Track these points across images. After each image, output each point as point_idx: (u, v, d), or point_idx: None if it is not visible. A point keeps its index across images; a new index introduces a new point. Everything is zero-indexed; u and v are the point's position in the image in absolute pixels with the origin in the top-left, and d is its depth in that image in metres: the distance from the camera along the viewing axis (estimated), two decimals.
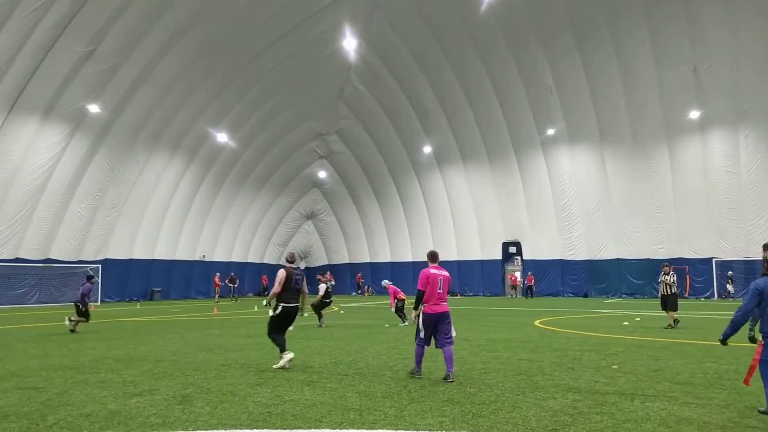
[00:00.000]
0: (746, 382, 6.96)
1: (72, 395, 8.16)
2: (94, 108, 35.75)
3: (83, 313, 18.30)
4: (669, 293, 18.92)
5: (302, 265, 62.20)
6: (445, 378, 9.13)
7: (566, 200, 45.46)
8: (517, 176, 47.44)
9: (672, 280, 19.17)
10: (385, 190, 55.44)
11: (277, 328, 10.77)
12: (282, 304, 10.65)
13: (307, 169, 55.88)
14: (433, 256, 10.12)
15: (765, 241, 8.04)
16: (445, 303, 9.60)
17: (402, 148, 52.23)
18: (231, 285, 44.43)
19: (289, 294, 10.79)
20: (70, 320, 18.02)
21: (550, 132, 44.43)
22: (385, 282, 22.13)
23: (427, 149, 50.25)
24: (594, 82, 41.51)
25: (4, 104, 32.61)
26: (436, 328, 9.47)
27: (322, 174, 56.69)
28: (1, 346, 14.43)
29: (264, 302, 11.26)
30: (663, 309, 19.10)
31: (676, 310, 18.64)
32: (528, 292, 44.95)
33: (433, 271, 9.65)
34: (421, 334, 9.57)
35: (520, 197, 47.67)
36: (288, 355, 10.44)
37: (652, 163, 41.56)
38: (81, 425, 6.52)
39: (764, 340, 6.63)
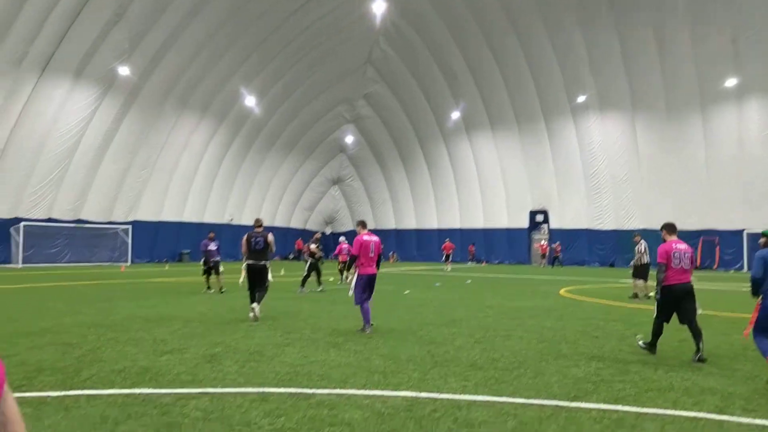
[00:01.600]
0: (745, 334, 7.55)
1: (104, 352, 8.40)
2: (123, 70, 36.00)
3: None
4: (641, 263, 18.26)
5: (328, 230, 62.49)
6: (362, 329, 10.55)
7: (595, 169, 44.95)
8: (546, 144, 46.95)
9: (643, 249, 18.43)
10: (412, 156, 55.24)
11: (250, 284, 12.41)
12: (247, 262, 12.40)
13: (334, 134, 55.84)
14: (363, 224, 11.33)
15: None
16: (375, 266, 10.87)
17: (430, 114, 51.88)
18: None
19: (252, 255, 12.41)
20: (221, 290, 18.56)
21: (581, 99, 43.77)
22: (341, 238, 22.82)
23: (455, 115, 49.84)
24: (627, 48, 40.67)
25: (35, 67, 32.99)
26: (369, 288, 10.80)
27: (349, 139, 56.60)
28: (35, 302, 14.83)
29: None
30: (634, 277, 18.49)
31: (646, 280, 18.06)
32: (554, 261, 44.79)
33: (365, 237, 10.88)
34: (350, 293, 10.94)
35: (548, 165, 47.22)
36: (253, 306, 11.87)
37: (684, 132, 40.80)
38: (113, 380, 6.72)
39: (762, 301, 7.15)
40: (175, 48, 37.91)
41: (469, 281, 25.75)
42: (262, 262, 12.40)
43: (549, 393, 6.39)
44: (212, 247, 18.86)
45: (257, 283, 12.37)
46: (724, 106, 39.28)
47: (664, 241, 9.26)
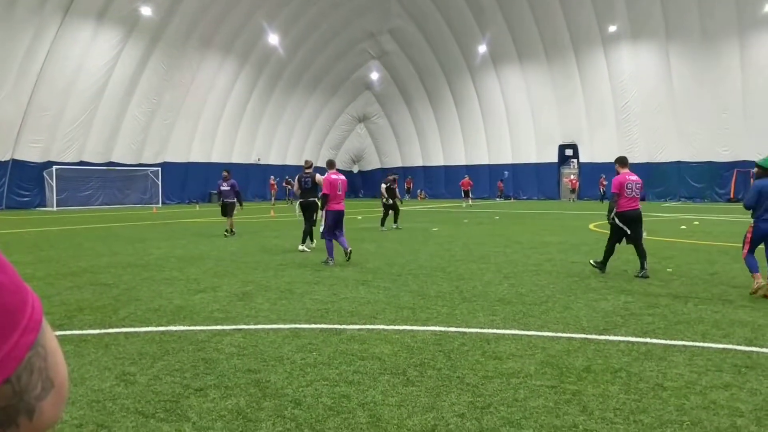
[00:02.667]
0: (744, 255, 8.37)
1: (140, 291, 8.62)
2: (146, 11, 35.73)
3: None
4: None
5: (355, 169, 62.52)
6: (346, 254, 11.41)
7: (626, 101, 43.94)
8: (576, 76, 45.88)
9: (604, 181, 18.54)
10: (439, 92, 54.45)
11: (305, 219, 13.77)
12: (299, 200, 14.01)
13: (359, 71, 55.11)
14: (331, 164, 12.32)
15: None
16: (343, 203, 11.76)
17: (456, 48, 50.82)
18: (287, 188, 45.13)
19: (303, 193, 13.83)
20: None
21: (612, 29, 42.44)
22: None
23: (482, 48, 48.72)
24: None
25: (58, 10, 32.90)
26: (338, 223, 11.61)
27: (374, 76, 55.86)
28: (72, 244, 15.19)
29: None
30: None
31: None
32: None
33: (333, 176, 11.71)
34: (321, 228, 11.98)
35: (578, 98, 46.26)
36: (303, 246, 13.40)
37: (720, 60, 39.48)
38: (150, 319, 6.91)
39: (755, 223, 8.24)
40: None
41: (497, 217, 25.69)
42: (311, 199, 13.72)
43: (577, 326, 6.43)
44: (225, 187, 18.01)
45: (307, 216, 13.69)
46: (763, 32, 37.79)
47: (618, 173, 10.34)
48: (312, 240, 14.03)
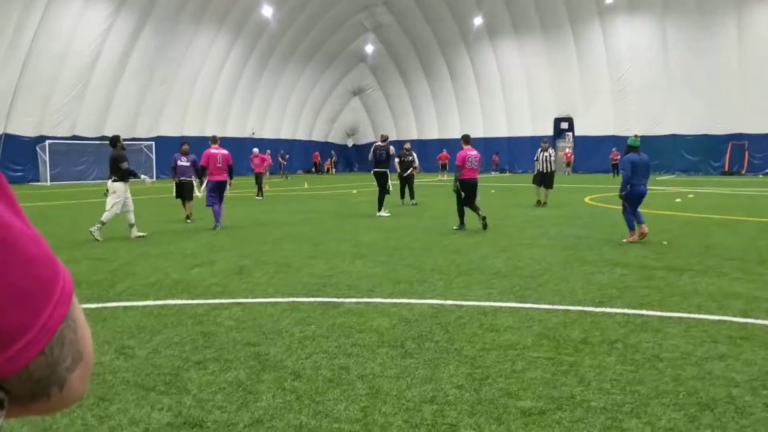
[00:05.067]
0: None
1: (136, 266, 8.61)
2: None
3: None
4: (548, 171, 18.59)
5: (350, 143, 62.30)
6: (213, 228, 12.51)
7: (622, 74, 43.79)
8: (572, 49, 45.63)
9: (554, 157, 19.07)
10: (434, 65, 54.05)
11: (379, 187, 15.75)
12: (374, 170, 15.96)
13: (354, 43, 54.59)
14: (214, 139, 13.74)
15: None
16: (225, 174, 12.99)
17: (452, 20, 50.35)
18: (282, 162, 44.93)
19: (377, 164, 16.01)
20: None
21: (609, 1, 42.04)
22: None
23: (478, 21, 48.21)
24: None
25: None
26: (220, 194, 12.93)
27: (369, 48, 55.35)
28: (67, 219, 15.15)
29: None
30: (539, 185, 18.62)
31: (551, 187, 18.64)
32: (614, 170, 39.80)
33: (213, 151, 13.01)
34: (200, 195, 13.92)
35: (574, 71, 46.05)
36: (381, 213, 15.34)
37: (717, 33, 39.31)
38: (147, 293, 6.92)
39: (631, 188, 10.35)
40: None
41: (493, 191, 25.68)
42: (383, 169, 15.76)
43: (574, 299, 6.46)
44: (183, 162, 15.11)
45: (382, 184, 15.56)
46: (761, 4, 37.55)
47: (462, 148, 12.60)
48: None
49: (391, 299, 6.50)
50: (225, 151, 13.17)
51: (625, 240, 10.43)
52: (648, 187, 10.88)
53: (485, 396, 3.86)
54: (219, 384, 4.10)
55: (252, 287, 7.16)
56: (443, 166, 40.39)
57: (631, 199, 10.38)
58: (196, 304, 6.33)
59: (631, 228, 10.44)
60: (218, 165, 12.89)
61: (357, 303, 6.35)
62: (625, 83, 43.90)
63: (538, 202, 18.37)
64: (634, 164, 10.36)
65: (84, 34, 35.34)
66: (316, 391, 3.96)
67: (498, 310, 6.00)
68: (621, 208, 10.79)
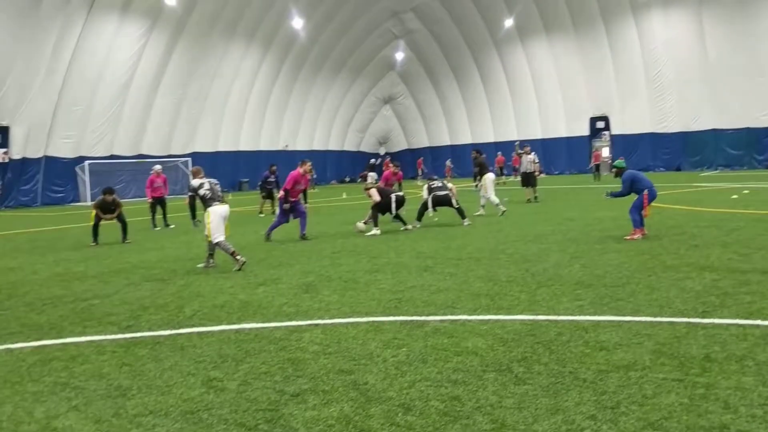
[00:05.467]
0: (645, 214, 10.99)
1: (199, 286, 8.36)
2: (170, 1, 35.45)
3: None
4: (530, 171, 21.14)
5: (382, 151, 62.03)
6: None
7: (659, 69, 42.71)
8: (605, 46, 44.72)
9: (535, 159, 21.63)
10: (465, 69, 53.55)
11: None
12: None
13: (383, 51, 54.44)
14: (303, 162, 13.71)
15: None
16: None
17: (481, 23, 49.82)
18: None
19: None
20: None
21: None
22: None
23: (508, 22, 47.62)
24: None
25: (83, 4, 32.80)
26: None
27: (398, 56, 55.12)
28: (115, 239, 15.01)
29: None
30: (523, 186, 21.33)
31: (535, 186, 21.16)
32: (596, 170, 37.63)
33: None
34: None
35: (608, 68, 45.13)
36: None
37: (756, 23, 38.04)
38: (218, 316, 6.64)
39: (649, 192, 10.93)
40: None
41: (536, 195, 25.10)
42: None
43: (674, 309, 6.01)
44: (271, 178, 18.42)
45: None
46: None
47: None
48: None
49: (477, 316, 6.12)
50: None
51: (627, 237, 10.93)
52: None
53: (626, 428, 3.46)
54: (325, 420, 3.76)
55: (325, 306, 6.84)
56: (500, 169, 38.96)
57: (650, 200, 10.96)
58: (273, 328, 6.03)
59: (637, 226, 11.00)
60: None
61: (442, 321, 5.98)
62: (661, 79, 42.84)
63: (528, 200, 20.71)
64: (634, 177, 11.16)
65: (119, 54, 35.78)
66: (434, 427, 3.60)
67: (597, 325, 5.58)
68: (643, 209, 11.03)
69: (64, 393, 4.47)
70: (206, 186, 10.15)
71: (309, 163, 13.76)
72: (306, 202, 13.77)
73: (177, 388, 4.44)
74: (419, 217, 14.87)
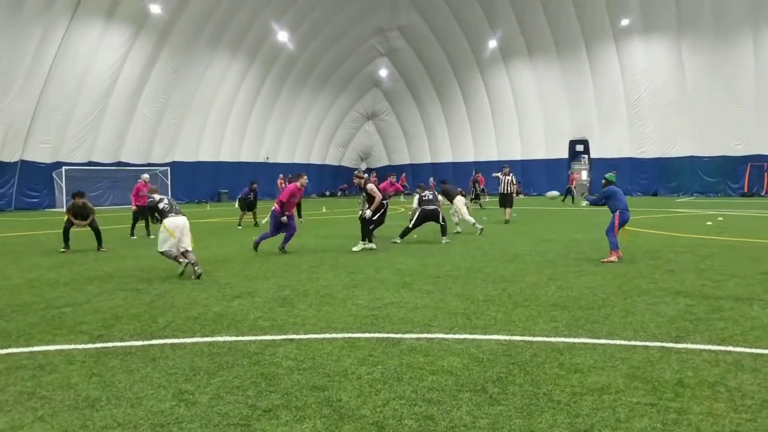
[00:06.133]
0: (615, 234, 11.32)
1: (173, 297, 8.26)
2: (155, 8, 35.35)
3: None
4: (508, 192, 21.46)
5: (363, 166, 62.09)
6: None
7: (638, 95, 43.46)
8: (587, 71, 45.40)
9: (514, 180, 21.93)
10: (448, 88, 53.97)
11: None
12: None
13: (368, 68, 54.69)
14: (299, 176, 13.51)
15: None
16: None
17: (465, 43, 50.33)
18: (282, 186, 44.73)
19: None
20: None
21: (624, 23, 41.92)
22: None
23: (492, 44, 48.20)
24: None
25: (67, 8, 32.54)
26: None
27: (383, 73, 55.40)
28: (90, 247, 14.82)
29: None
30: (501, 206, 21.66)
31: (512, 207, 21.56)
32: (569, 193, 36.67)
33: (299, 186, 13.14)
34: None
35: (589, 93, 45.78)
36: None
37: (734, 54, 38.94)
38: (192, 328, 6.56)
39: (620, 214, 11.41)
40: None
41: (515, 215, 25.26)
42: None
43: (648, 334, 6.05)
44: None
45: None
46: None
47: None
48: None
49: (453, 335, 6.11)
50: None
51: (605, 260, 11.08)
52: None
53: None
54: None
55: (301, 321, 6.79)
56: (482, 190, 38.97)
57: (621, 223, 11.39)
58: (248, 341, 5.96)
59: (614, 248, 11.23)
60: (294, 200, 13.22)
61: (418, 339, 5.96)
62: (641, 105, 43.56)
63: (506, 221, 20.76)
64: (615, 194, 11.62)
65: (102, 60, 35.51)
66: None
67: (572, 347, 5.59)
68: (617, 231, 11.43)
69: (30, 403, 4.37)
70: (165, 201, 10.73)
71: (305, 177, 13.66)
72: (300, 216, 13.52)
73: (147, 401, 4.37)
74: (404, 236, 14.95)
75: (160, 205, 10.56)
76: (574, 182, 38.05)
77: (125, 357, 5.47)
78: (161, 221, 10.35)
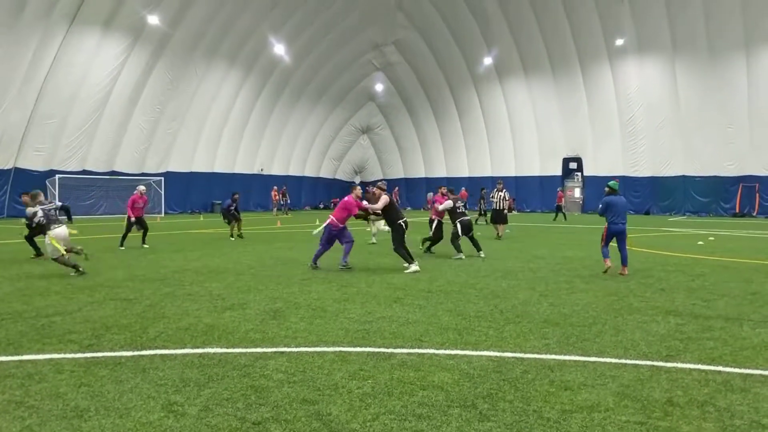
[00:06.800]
0: (601, 246, 12.04)
1: (165, 308, 8.23)
2: (153, 19, 35.43)
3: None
4: (501, 208, 21.15)
5: (357, 180, 62.28)
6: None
7: (632, 114, 43.71)
8: (582, 89, 45.66)
9: (506, 196, 21.80)
10: (443, 104, 54.17)
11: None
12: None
13: (364, 82, 54.84)
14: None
15: None
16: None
17: (461, 60, 50.57)
18: (283, 198, 44.74)
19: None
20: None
21: (619, 42, 42.22)
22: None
23: (488, 61, 48.43)
24: None
25: (65, 17, 32.53)
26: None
27: (378, 87, 55.56)
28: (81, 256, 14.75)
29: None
30: (493, 222, 21.73)
31: (505, 223, 21.53)
32: (559, 210, 35.95)
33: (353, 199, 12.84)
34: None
35: (583, 111, 46.03)
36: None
37: (727, 75, 39.23)
38: (183, 339, 6.54)
39: (608, 225, 11.86)
40: None
41: (508, 230, 25.32)
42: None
43: (638, 352, 6.07)
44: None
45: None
46: None
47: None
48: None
49: (445, 350, 6.11)
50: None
51: (605, 269, 11.82)
52: (626, 226, 12.05)
53: None
54: None
55: (292, 334, 6.77)
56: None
57: (609, 235, 11.85)
58: (238, 353, 5.94)
59: (606, 256, 11.84)
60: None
61: (409, 354, 5.96)
62: (634, 124, 43.81)
63: (498, 236, 20.84)
64: (609, 204, 11.84)
65: (98, 69, 35.47)
66: None
67: (563, 364, 5.60)
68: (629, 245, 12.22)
69: (18, 412, 4.35)
70: (40, 214, 11.19)
71: (359, 188, 13.47)
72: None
73: (136, 412, 4.35)
74: (459, 248, 14.70)
75: (37, 220, 11.19)
76: (562, 200, 38.16)
77: (115, 367, 5.44)
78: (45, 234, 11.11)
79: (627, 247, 12.13)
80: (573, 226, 29.59)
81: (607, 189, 12.27)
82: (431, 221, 16.26)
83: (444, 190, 17.30)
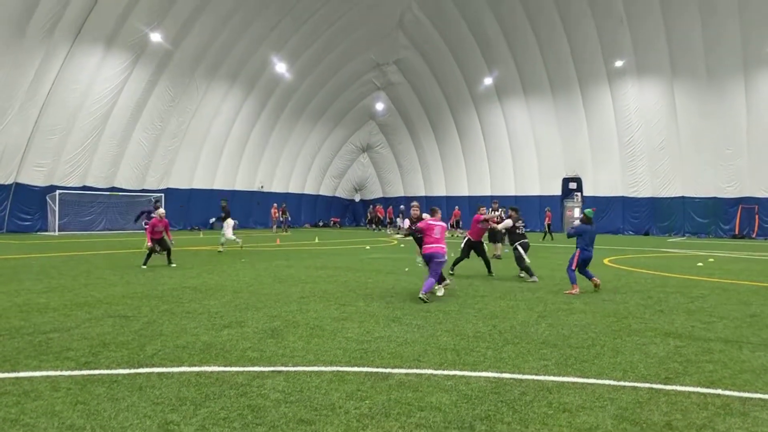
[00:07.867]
0: (571, 268, 12.22)
1: (162, 325, 8.22)
2: (155, 37, 35.72)
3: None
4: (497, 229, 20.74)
5: (357, 198, 62.42)
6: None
7: (631, 136, 43.89)
8: (581, 110, 45.88)
9: (503, 215, 20.63)
10: (443, 124, 54.36)
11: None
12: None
13: (364, 101, 55.09)
14: (434, 211, 11.99)
15: None
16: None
17: (462, 80, 50.85)
18: (283, 216, 44.72)
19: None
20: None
21: (618, 64, 42.53)
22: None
23: (488, 81, 48.73)
24: (668, 10, 39.28)
25: (68, 34, 32.77)
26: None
27: (379, 106, 55.80)
28: (81, 272, 14.78)
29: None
30: (491, 242, 21.39)
31: (502, 243, 21.62)
32: (547, 229, 36.56)
33: (431, 222, 11.41)
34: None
35: (583, 132, 46.21)
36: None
37: (725, 98, 39.48)
38: (180, 357, 6.52)
39: (581, 252, 12.22)
40: (205, 14, 37.50)
41: (506, 250, 25.30)
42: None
43: (637, 374, 6.05)
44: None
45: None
46: None
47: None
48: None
49: (443, 371, 6.09)
50: (443, 224, 11.61)
51: (566, 292, 12.00)
52: (593, 253, 12.67)
53: None
54: None
55: (290, 353, 6.76)
56: (457, 222, 41.14)
57: (579, 261, 12.19)
58: (236, 372, 5.92)
59: (573, 282, 12.03)
60: (435, 236, 11.31)
61: (407, 374, 5.94)
62: (634, 145, 43.97)
63: (496, 256, 20.78)
64: (584, 232, 12.33)
65: (100, 86, 35.67)
66: None
67: (561, 386, 5.58)
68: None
69: (13, 431, 4.32)
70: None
71: (439, 212, 12.07)
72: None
73: (132, 431, 4.33)
74: (528, 271, 14.41)
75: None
76: (549, 218, 38.07)
77: (111, 385, 5.42)
78: None
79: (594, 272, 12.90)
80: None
81: (582, 217, 12.62)
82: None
83: (496, 205, 18.23)
